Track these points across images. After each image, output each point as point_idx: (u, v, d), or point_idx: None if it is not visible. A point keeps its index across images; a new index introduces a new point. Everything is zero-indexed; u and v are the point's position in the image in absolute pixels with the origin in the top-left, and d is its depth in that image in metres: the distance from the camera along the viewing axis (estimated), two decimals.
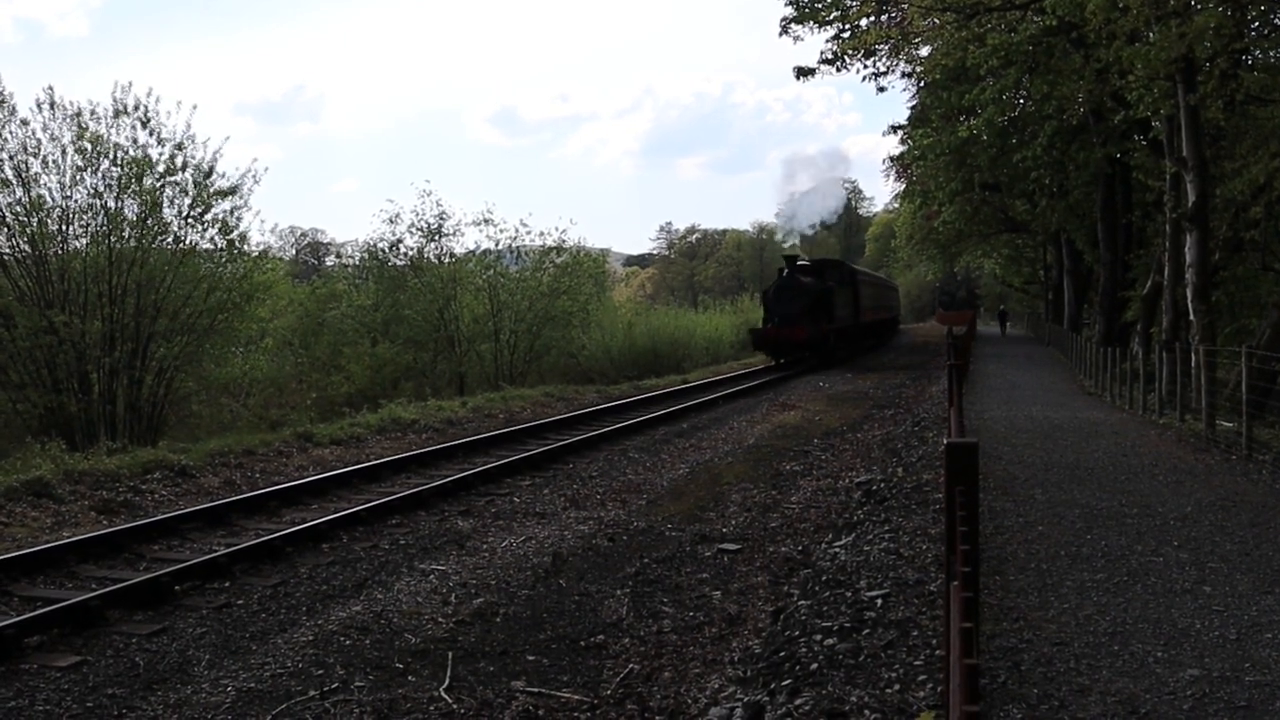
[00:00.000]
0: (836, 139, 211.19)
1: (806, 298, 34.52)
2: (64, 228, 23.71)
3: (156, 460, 13.66)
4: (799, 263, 37.05)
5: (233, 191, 25.48)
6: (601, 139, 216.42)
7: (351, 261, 46.81)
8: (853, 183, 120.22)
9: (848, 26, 26.53)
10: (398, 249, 39.37)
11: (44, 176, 23.21)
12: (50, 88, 26.44)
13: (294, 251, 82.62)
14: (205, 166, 24.82)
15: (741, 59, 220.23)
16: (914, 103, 41.08)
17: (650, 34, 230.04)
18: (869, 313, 44.87)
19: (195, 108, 46.64)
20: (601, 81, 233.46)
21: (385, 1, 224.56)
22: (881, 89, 39.91)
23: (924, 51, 25.42)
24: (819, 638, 6.22)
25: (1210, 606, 6.32)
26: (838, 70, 26.63)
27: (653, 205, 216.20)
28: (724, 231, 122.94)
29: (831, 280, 37.78)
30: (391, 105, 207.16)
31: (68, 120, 23.23)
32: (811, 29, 27.13)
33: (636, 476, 13.48)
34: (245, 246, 26.98)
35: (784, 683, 5.67)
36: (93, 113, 23.51)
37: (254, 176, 26.30)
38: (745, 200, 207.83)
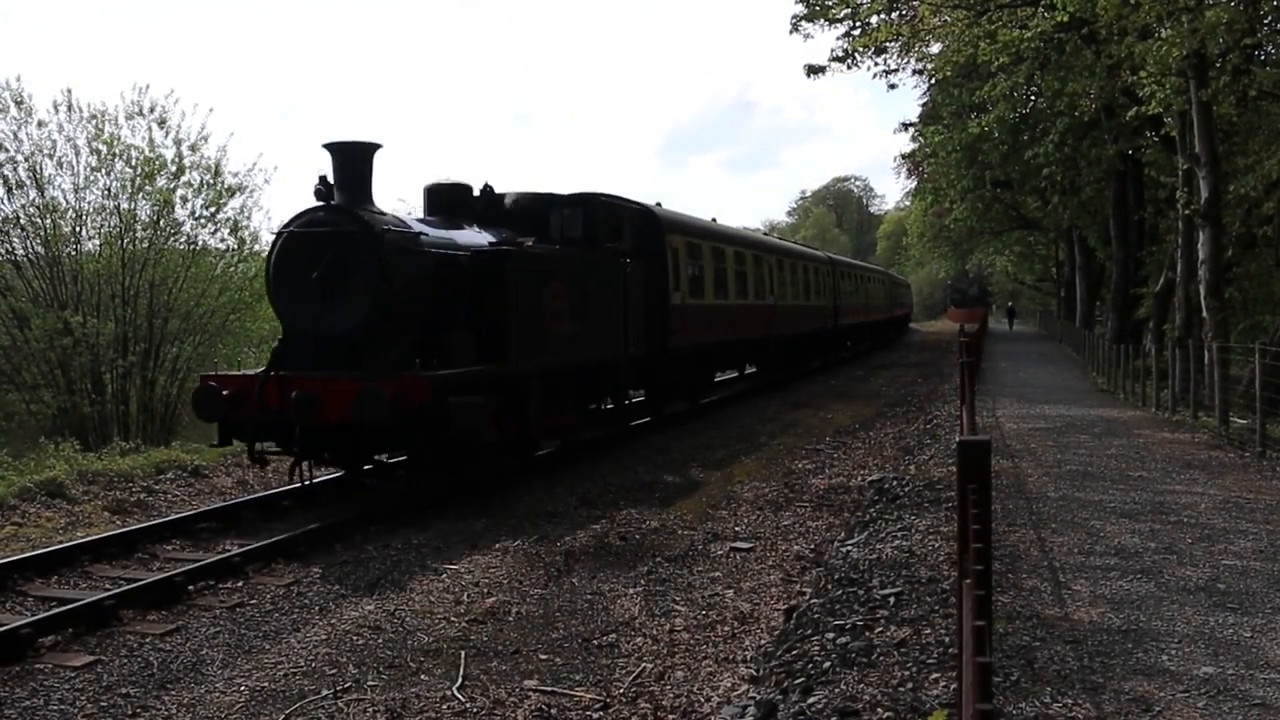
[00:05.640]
0: (850, 137, 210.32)
1: (386, 286, 11.07)
2: (77, 229, 23.84)
3: (169, 460, 13.70)
4: (434, 186, 14.10)
5: (241, 189, 25.55)
6: (616, 137, 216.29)
7: None
8: (863, 180, 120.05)
9: (858, 24, 26.49)
10: None
11: (58, 178, 23.35)
12: (69, 90, 26.61)
13: None
14: (212, 164, 24.90)
15: (757, 57, 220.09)
16: (925, 100, 40.97)
17: (665, 32, 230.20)
18: (747, 323, 22.92)
19: (211, 110, 46.92)
20: (617, 79, 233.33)
21: (419, 11, 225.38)
22: (892, 86, 39.86)
23: (934, 49, 25.37)
24: (832, 636, 6.22)
25: (1224, 604, 6.29)
26: (848, 68, 26.63)
27: (666, 203, 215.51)
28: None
29: (571, 236, 14.64)
30: (408, 102, 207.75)
31: (85, 122, 23.36)
32: (822, 26, 27.11)
33: (648, 475, 13.47)
34: (256, 246, 27.06)
35: (797, 681, 5.67)
36: (114, 116, 23.66)
37: (265, 176, 26.34)
38: (759, 198, 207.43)
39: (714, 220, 23.52)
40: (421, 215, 13.60)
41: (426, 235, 12.00)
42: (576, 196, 15.44)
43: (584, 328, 14.04)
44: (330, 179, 11.54)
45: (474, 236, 13.07)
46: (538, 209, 14.78)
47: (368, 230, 11.06)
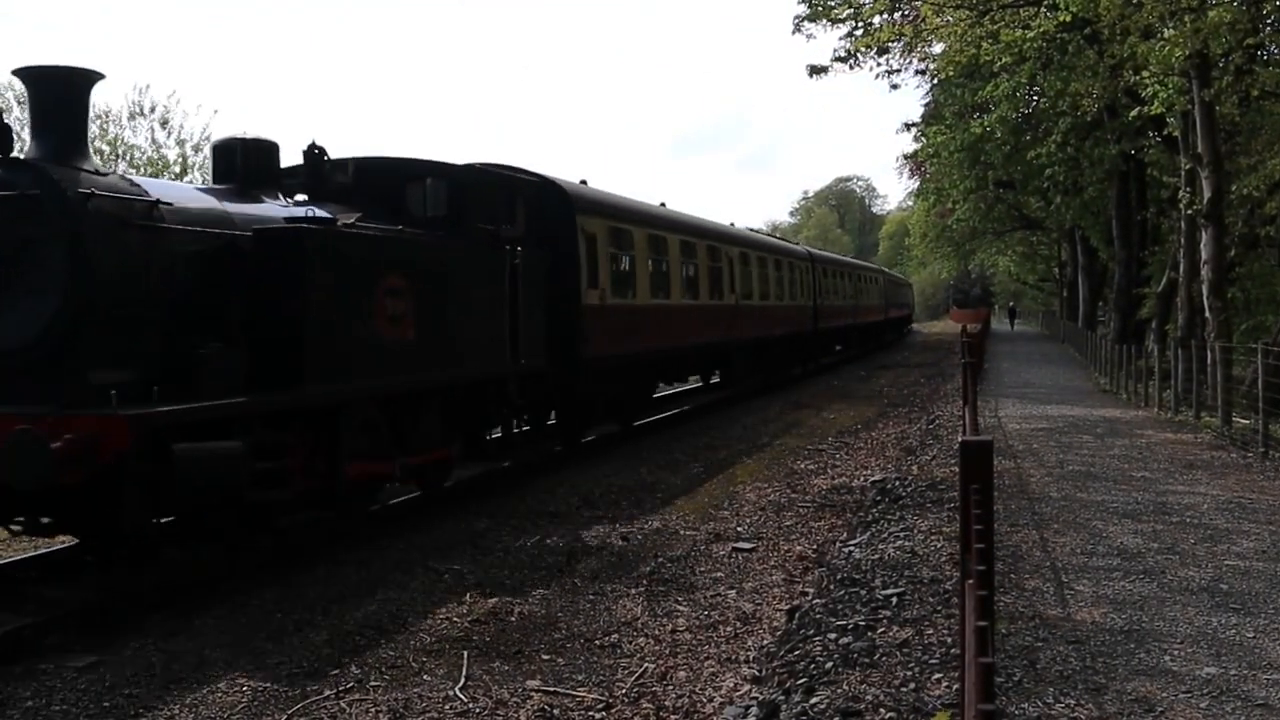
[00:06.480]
0: (853, 137, 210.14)
1: (88, 276, 7.48)
2: None
3: None
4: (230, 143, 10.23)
5: None
6: (626, 137, 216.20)
7: None
8: (866, 180, 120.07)
9: (860, 24, 26.50)
10: None
11: None
12: None
13: None
14: None
15: (760, 58, 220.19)
16: (928, 100, 41.00)
17: (666, 33, 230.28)
18: (698, 327, 19.49)
19: (216, 112, 46.97)
20: (626, 80, 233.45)
21: (419, 11, 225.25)
22: (895, 86, 39.63)
23: (937, 49, 25.40)
24: (834, 636, 6.22)
25: (1227, 604, 6.30)
26: (851, 68, 26.67)
27: (674, 203, 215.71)
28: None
29: (435, 215, 10.81)
30: (419, 108, 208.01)
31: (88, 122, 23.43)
32: (825, 27, 27.14)
33: (650, 475, 13.47)
34: None
35: (799, 681, 5.67)
36: (117, 116, 23.73)
37: None
38: (762, 199, 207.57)
39: (663, 205, 20.16)
40: (210, 184, 10.09)
41: (172, 206, 8.20)
42: (445, 165, 11.70)
43: (445, 336, 10.52)
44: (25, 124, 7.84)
45: (273, 211, 9.42)
46: (393, 182, 11.21)
47: (57, 194, 7.42)
